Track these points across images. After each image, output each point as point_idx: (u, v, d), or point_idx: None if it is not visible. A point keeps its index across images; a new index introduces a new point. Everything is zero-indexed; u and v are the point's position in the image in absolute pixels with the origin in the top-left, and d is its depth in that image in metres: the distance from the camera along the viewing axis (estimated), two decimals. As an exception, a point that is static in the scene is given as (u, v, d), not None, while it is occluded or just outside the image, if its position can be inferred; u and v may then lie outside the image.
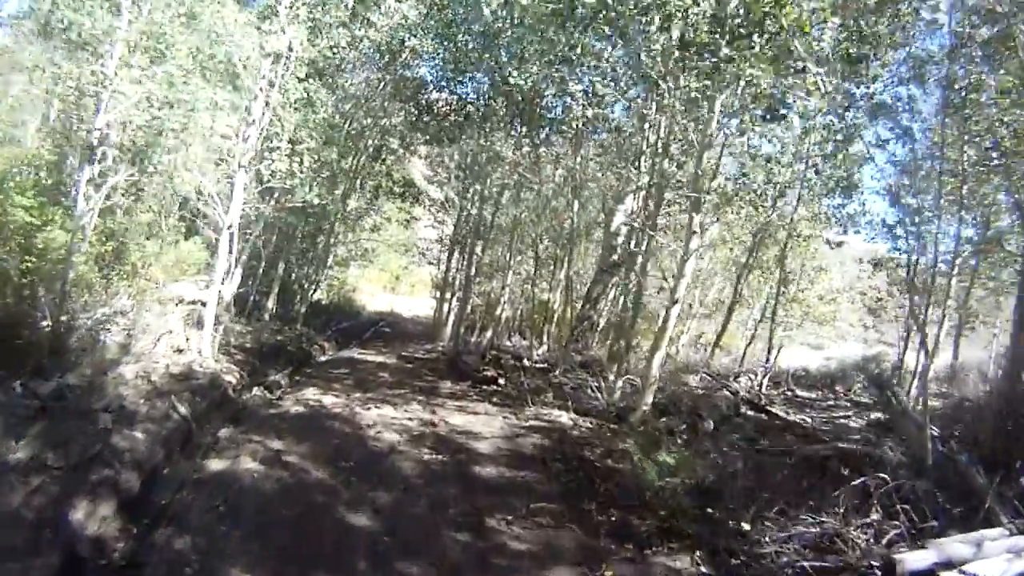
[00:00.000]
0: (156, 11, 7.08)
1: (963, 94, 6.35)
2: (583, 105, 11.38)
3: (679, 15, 7.15)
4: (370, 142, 15.03)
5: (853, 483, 4.71)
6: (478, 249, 15.83)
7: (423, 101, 15.02)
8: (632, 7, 7.51)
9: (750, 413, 9.84)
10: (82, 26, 6.18)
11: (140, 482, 4.97)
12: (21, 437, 4.90)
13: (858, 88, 7.67)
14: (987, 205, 9.72)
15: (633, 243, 11.53)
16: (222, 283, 9.60)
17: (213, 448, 5.86)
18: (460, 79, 14.18)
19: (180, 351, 8.22)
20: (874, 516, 4.70)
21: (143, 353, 7.82)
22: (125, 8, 6.89)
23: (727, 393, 10.17)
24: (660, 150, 9.76)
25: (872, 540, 4.29)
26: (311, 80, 9.21)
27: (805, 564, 3.96)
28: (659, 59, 8.14)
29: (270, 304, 13.74)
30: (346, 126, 13.23)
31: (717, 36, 6.77)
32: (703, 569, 4.16)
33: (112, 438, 5.41)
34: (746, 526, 4.32)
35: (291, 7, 8.26)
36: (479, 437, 6.83)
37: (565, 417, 7.88)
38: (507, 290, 15.60)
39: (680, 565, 4.19)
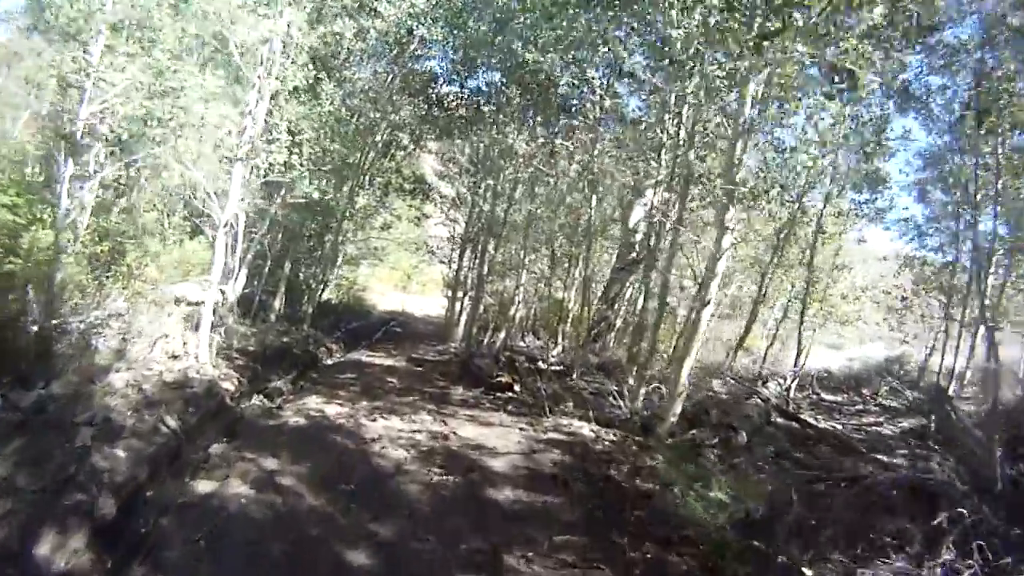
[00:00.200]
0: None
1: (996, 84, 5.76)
2: (600, 95, 10.79)
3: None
4: (379, 137, 14.52)
5: (933, 522, 4.07)
6: (491, 247, 15.24)
7: (433, 95, 14.51)
8: None
9: (781, 421, 9.24)
10: (60, 8, 5.70)
11: (118, 507, 4.54)
12: (-6, 456, 4.49)
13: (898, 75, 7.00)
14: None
15: (654, 239, 10.90)
16: (223, 283, 9.16)
17: (203, 466, 5.38)
18: (471, 72, 13.67)
19: (176, 357, 7.76)
20: (946, 555, 4.11)
21: (137, 359, 7.38)
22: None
23: (757, 400, 9.55)
24: (685, 141, 9.11)
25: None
26: (310, 67, 8.65)
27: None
28: (680, 44, 7.57)
29: (276, 304, 13.30)
30: (354, 121, 12.73)
31: (749, 15, 6.21)
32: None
33: (91, 456, 4.96)
34: (808, 572, 3.70)
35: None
36: (494, 453, 6.27)
37: (586, 428, 7.33)
38: (521, 289, 15.02)
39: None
